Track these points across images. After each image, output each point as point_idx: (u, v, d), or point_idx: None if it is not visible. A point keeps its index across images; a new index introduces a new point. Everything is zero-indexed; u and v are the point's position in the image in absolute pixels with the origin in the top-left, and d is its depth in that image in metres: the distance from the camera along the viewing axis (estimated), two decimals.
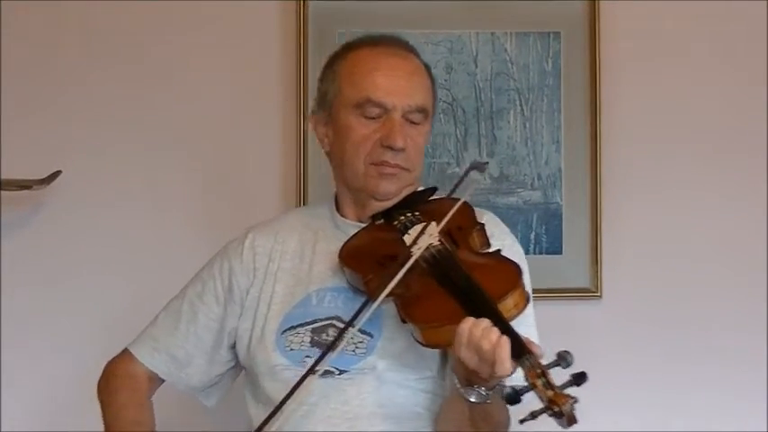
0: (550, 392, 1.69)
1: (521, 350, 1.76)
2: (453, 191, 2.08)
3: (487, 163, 1.96)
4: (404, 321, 1.94)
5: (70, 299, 2.80)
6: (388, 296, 1.93)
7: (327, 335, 2.05)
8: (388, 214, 2.13)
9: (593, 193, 2.80)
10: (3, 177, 2.75)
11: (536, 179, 2.81)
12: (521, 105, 2.82)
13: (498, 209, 2.69)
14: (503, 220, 2.18)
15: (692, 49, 2.85)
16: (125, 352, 2.22)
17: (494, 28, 2.83)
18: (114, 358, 2.24)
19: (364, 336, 2.02)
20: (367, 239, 2.11)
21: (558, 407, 1.67)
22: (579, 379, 1.71)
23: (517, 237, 2.27)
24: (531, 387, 1.71)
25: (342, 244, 2.10)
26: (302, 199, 2.79)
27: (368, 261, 2.04)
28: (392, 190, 2.12)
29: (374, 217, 2.14)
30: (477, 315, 1.82)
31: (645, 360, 2.79)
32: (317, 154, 2.79)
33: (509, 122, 2.82)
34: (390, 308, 1.97)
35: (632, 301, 2.81)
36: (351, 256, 2.08)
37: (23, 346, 2.79)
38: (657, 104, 2.84)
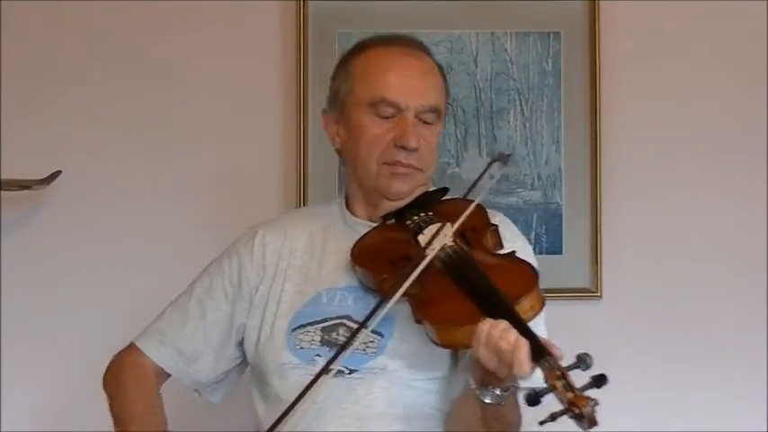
0: (570, 394, 1.69)
1: (540, 352, 1.75)
2: (475, 184, 2.08)
3: (510, 155, 1.96)
4: (418, 321, 1.94)
5: (70, 299, 2.80)
6: (402, 296, 1.92)
7: (338, 334, 2.04)
8: (400, 214, 2.13)
9: (593, 193, 2.80)
10: (3, 177, 2.75)
11: (536, 179, 2.81)
12: (521, 105, 2.82)
13: (498, 209, 2.68)
14: None
15: (691, 49, 2.85)
16: (131, 346, 2.21)
17: (494, 28, 2.83)
18: (120, 352, 2.22)
19: (375, 335, 2.01)
20: (379, 239, 2.10)
21: (579, 409, 1.67)
22: (599, 381, 1.70)
23: None
24: (551, 389, 1.71)
25: (352, 243, 2.10)
26: (302, 199, 2.79)
27: (381, 260, 2.03)
28: (404, 190, 2.12)
29: (385, 217, 2.14)
30: (495, 316, 1.82)
31: (645, 360, 2.79)
32: (316, 154, 2.80)
33: (509, 122, 2.82)
34: (402, 308, 1.96)
35: (632, 301, 2.81)
36: (363, 256, 2.07)
37: (23, 346, 2.79)
38: (657, 104, 2.84)
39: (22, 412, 2.77)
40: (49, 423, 2.76)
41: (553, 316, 2.04)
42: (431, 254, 1.95)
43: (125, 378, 2.18)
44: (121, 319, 2.69)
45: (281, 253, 2.17)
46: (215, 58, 2.84)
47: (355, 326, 2.02)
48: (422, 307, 1.93)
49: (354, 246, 2.09)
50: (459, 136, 2.82)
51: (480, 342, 1.80)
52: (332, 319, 2.07)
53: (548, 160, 2.81)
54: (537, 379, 1.75)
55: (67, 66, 2.84)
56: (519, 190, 2.80)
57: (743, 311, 2.80)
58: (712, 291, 2.80)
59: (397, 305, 1.94)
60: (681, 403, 2.78)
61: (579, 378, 1.71)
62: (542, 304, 1.91)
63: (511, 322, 1.80)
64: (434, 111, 2.12)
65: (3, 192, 2.75)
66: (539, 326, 1.95)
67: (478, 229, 2.05)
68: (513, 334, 1.78)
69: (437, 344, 1.92)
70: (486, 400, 1.85)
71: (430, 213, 2.10)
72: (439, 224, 2.02)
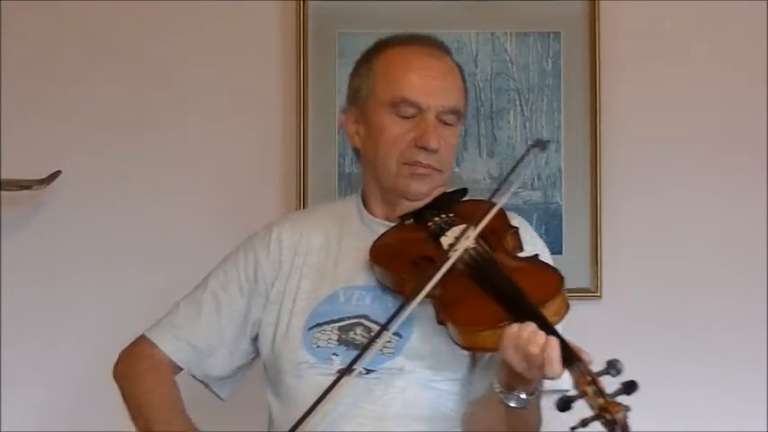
0: (601, 400, 1.68)
1: (571, 356, 1.75)
2: (512, 171, 2.08)
3: (549, 141, 1.96)
4: (442, 323, 1.94)
5: (70, 299, 2.80)
6: (424, 297, 1.91)
7: (355, 333, 2.04)
8: (419, 215, 2.12)
9: (593, 193, 2.79)
10: (3, 177, 2.75)
11: (536, 179, 2.81)
12: (521, 105, 2.82)
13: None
14: None
15: (691, 49, 2.85)
16: (143, 338, 2.19)
17: (494, 28, 2.82)
18: (132, 344, 2.20)
19: (393, 336, 2.01)
20: (399, 239, 2.10)
21: (612, 415, 1.66)
22: (630, 388, 1.70)
23: None
24: (582, 394, 1.70)
25: (369, 241, 2.10)
26: (302, 199, 2.78)
27: (402, 261, 2.03)
28: (424, 190, 2.12)
29: (404, 217, 2.14)
30: (522, 320, 1.81)
31: (645, 360, 2.75)
32: (316, 154, 2.80)
33: (509, 122, 2.82)
34: (421, 309, 1.95)
35: (632, 301, 2.81)
36: (383, 255, 2.07)
37: (23, 346, 2.79)
38: (657, 104, 2.84)
39: (22, 412, 2.77)
40: (49, 423, 2.75)
41: None
42: (454, 256, 1.93)
43: (140, 368, 2.16)
44: (121, 318, 2.70)
45: (296, 249, 2.16)
46: (215, 58, 2.84)
47: (373, 325, 2.02)
48: (446, 308, 1.92)
49: (373, 245, 2.09)
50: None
51: (509, 344, 1.80)
52: (349, 318, 2.06)
53: (548, 160, 2.81)
54: (563, 382, 1.75)
55: (67, 66, 2.84)
56: (519, 190, 2.80)
57: (743, 311, 2.80)
58: (712, 291, 2.80)
59: (417, 306, 1.93)
60: (681, 403, 2.78)
61: (609, 384, 1.71)
62: (567, 308, 1.90)
63: (539, 325, 1.79)
64: (455, 112, 2.12)
65: (3, 192, 2.75)
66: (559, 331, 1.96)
67: (499, 232, 2.04)
68: (543, 335, 1.77)
69: (460, 345, 1.92)
70: (511, 404, 1.85)
71: (451, 215, 2.09)
72: (463, 226, 2.01)
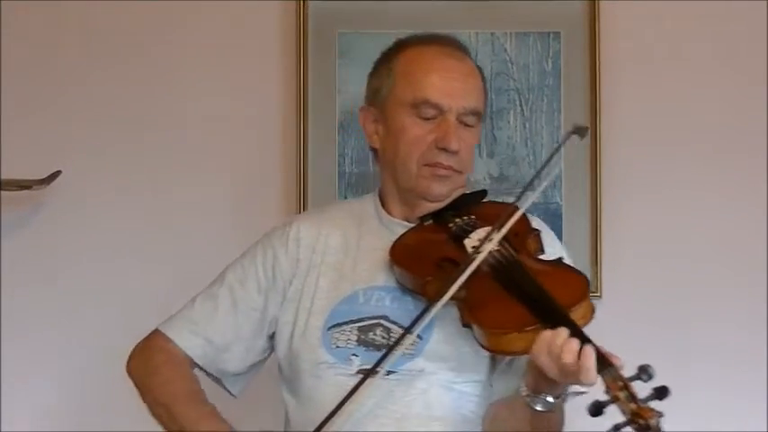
0: (634, 405, 1.68)
1: (603, 362, 1.75)
2: (551, 159, 2.09)
3: (588, 128, 1.96)
4: (467, 325, 1.93)
5: (70, 299, 2.80)
6: (448, 299, 1.91)
7: (375, 334, 2.04)
8: (439, 216, 2.12)
9: (593, 193, 2.79)
10: (3, 177, 2.75)
11: (536, 179, 2.80)
12: (521, 105, 2.82)
13: None
14: None
15: (692, 49, 2.85)
16: (157, 333, 2.18)
17: (494, 28, 2.82)
18: (146, 339, 2.19)
19: (414, 337, 2.00)
20: (420, 240, 2.09)
21: (645, 420, 1.66)
22: (661, 393, 1.71)
23: None
24: (614, 400, 1.69)
25: (388, 242, 2.09)
26: (302, 199, 2.78)
27: (423, 262, 2.02)
28: (444, 192, 2.12)
29: (423, 218, 2.13)
30: (550, 323, 1.81)
31: (645, 360, 2.76)
32: (316, 154, 2.79)
33: (509, 122, 2.82)
34: (443, 311, 1.94)
35: (632, 301, 2.81)
36: (404, 256, 2.06)
37: (23, 345, 2.78)
38: (657, 104, 2.84)
39: (21, 412, 2.77)
40: (49, 423, 2.75)
41: None
42: (479, 258, 1.92)
43: (157, 361, 2.14)
44: (121, 318, 2.70)
45: (314, 247, 2.16)
46: (215, 58, 2.84)
47: (392, 326, 2.02)
48: (472, 311, 1.91)
49: (393, 246, 2.08)
50: None
51: (542, 350, 1.79)
52: (369, 318, 2.06)
53: None
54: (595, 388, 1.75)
55: (67, 66, 2.84)
56: (519, 190, 2.79)
57: (743, 311, 2.79)
58: (712, 291, 2.80)
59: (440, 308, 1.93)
60: (681, 403, 2.77)
61: (640, 390, 1.71)
62: (593, 313, 1.90)
63: (571, 332, 1.79)
64: (475, 113, 2.13)
65: (3, 192, 2.75)
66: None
67: (521, 234, 2.04)
68: (577, 343, 1.77)
69: (485, 348, 1.91)
70: (538, 408, 1.85)
71: (472, 217, 2.09)
72: (487, 228, 2.00)
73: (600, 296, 2.79)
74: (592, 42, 2.81)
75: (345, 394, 1.92)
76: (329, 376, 2.03)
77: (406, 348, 2.00)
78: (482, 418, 2.03)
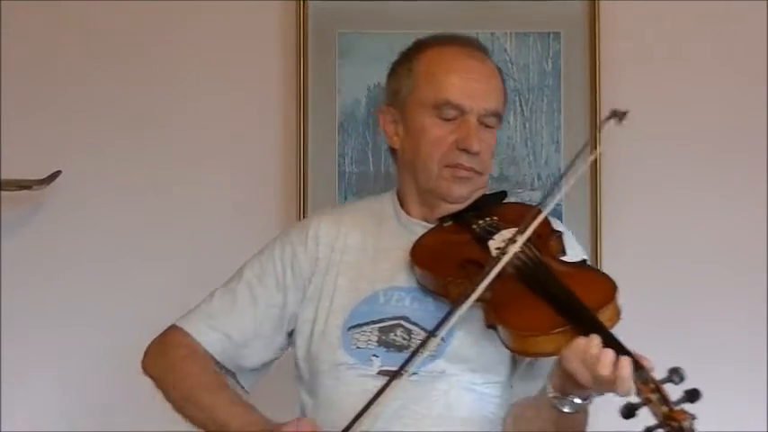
0: (665, 408, 1.67)
1: (634, 365, 1.74)
2: (586, 146, 2.06)
3: (627, 112, 1.95)
4: (491, 326, 1.91)
5: (70, 299, 2.80)
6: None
7: (395, 334, 2.03)
8: (460, 217, 2.11)
9: (593, 193, 2.79)
10: (3, 177, 2.75)
11: (536, 179, 2.81)
12: (521, 105, 2.82)
13: None
14: None
15: (692, 49, 2.85)
16: (174, 328, 2.15)
17: (494, 28, 2.82)
18: (162, 335, 2.16)
19: (438, 340, 1.97)
20: (441, 241, 2.08)
21: (678, 422, 1.65)
22: (693, 396, 1.69)
23: None
24: (645, 402, 1.68)
25: (408, 242, 2.08)
26: (302, 200, 2.78)
27: (446, 263, 2.01)
28: (464, 193, 2.11)
29: (443, 219, 2.12)
30: (578, 325, 1.80)
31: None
32: (317, 154, 2.80)
33: (509, 122, 2.81)
34: (465, 312, 1.93)
35: (632, 301, 2.80)
36: (425, 257, 2.05)
37: (23, 345, 2.79)
38: (657, 104, 2.84)
39: (21, 412, 2.77)
40: (49, 423, 2.75)
41: None
42: (504, 259, 1.91)
43: (177, 356, 2.11)
44: (121, 318, 2.70)
45: (333, 246, 2.14)
46: (215, 58, 2.84)
47: (413, 327, 2.02)
48: (498, 312, 1.90)
49: (414, 246, 2.07)
50: None
51: (575, 358, 1.78)
52: (389, 319, 2.05)
53: (548, 160, 2.81)
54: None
55: (67, 66, 2.84)
56: (519, 190, 2.80)
57: (743, 311, 2.79)
58: (712, 290, 2.80)
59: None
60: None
61: (671, 392, 1.70)
62: (619, 316, 1.89)
63: (599, 334, 1.78)
64: (495, 114, 2.11)
65: (3, 192, 2.75)
66: None
67: (544, 236, 2.02)
68: (612, 353, 1.76)
69: (511, 349, 1.90)
70: (565, 410, 1.84)
71: (495, 218, 2.08)
72: (512, 230, 1.98)
73: None
74: (592, 42, 2.81)
75: (365, 395, 1.91)
76: (349, 377, 2.02)
77: (429, 350, 1.99)
78: (503, 418, 2.02)
